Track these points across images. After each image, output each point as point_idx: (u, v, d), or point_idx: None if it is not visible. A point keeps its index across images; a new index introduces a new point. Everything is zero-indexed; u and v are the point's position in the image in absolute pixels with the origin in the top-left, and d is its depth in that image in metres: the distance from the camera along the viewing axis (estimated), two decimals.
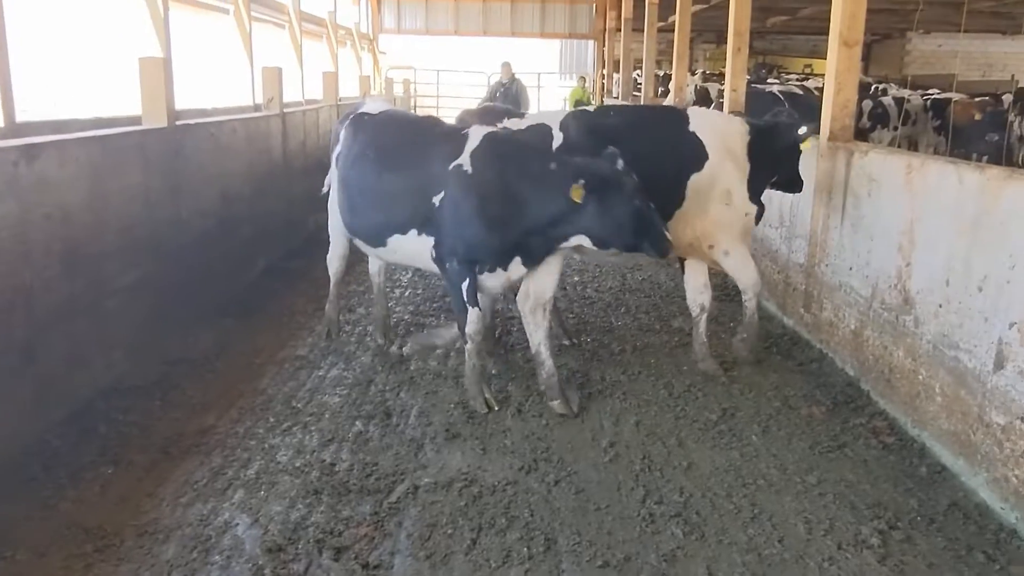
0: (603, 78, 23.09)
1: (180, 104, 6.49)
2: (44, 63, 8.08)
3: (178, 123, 6.24)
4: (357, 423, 4.78)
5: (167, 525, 3.71)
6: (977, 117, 13.79)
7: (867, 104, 14.12)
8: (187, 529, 3.68)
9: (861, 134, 13.10)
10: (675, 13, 12.25)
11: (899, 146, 13.82)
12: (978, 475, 4.06)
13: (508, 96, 14.83)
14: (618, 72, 18.96)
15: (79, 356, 4.83)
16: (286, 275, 8.12)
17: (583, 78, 20.20)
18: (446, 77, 27.91)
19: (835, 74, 5.90)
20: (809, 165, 6.07)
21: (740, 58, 8.82)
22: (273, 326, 6.53)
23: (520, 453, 4.43)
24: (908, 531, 3.76)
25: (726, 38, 9.02)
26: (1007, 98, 14.57)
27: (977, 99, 14.58)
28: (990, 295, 4.00)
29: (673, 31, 12.63)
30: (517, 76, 15.65)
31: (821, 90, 9.73)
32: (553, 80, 29.75)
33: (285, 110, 9.24)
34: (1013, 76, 24.41)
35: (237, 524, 3.74)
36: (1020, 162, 14.07)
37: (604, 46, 22.72)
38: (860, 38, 5.88)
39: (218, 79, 10.53)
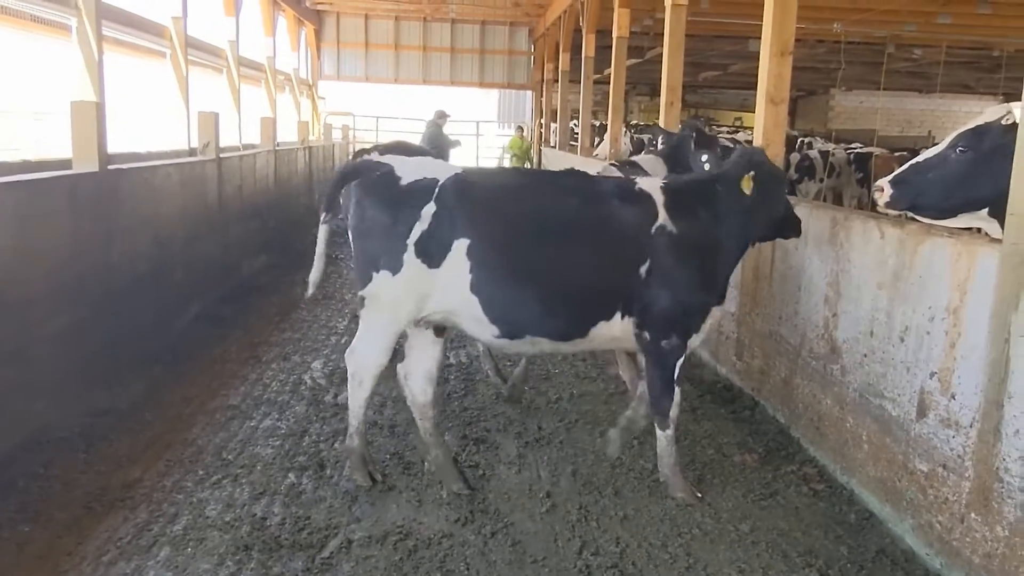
0: (541, 127, 23.46)
1: (113, 148, 6.39)
2: None
3: (110, 167, 6.13)
4: (290, 475, 4.69)
5: None
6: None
7: (795, 157, 14.64)
8: None
9: (789, 186, 13.55)
10: (610, 66, 12.56)
11: (824, 198, 14.33)
12: (904, 521, 4.16)
13: (444, 141, 14.78)
14: (555, 122, 19.28)
15: None
16: (219, 321, 7.96)
17: (521, 128, 20.44)
18: (385, 124, 28.03)
19: (763, 130, 6.12)
20: None
21: (673, 111, 9.08)
22: (204, 374, 6.39)
23: (456, 505, 4.39)
24: None
25: (659, 91, 9.29)
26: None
27: (897, 153, 15.24)
28: (911, 346, 4.15)
29: (608, 83, 12.94)
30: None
31: (751, 142, 10.06)
32: (492, 128, 30.11)
33: (221, 155, 9.16)
34: (930, 132, 25.62)
35: None
36: None
37: (542, 96, 23.14)
38: (786, 96, 6.12)
39: (153, 123, 10.41)
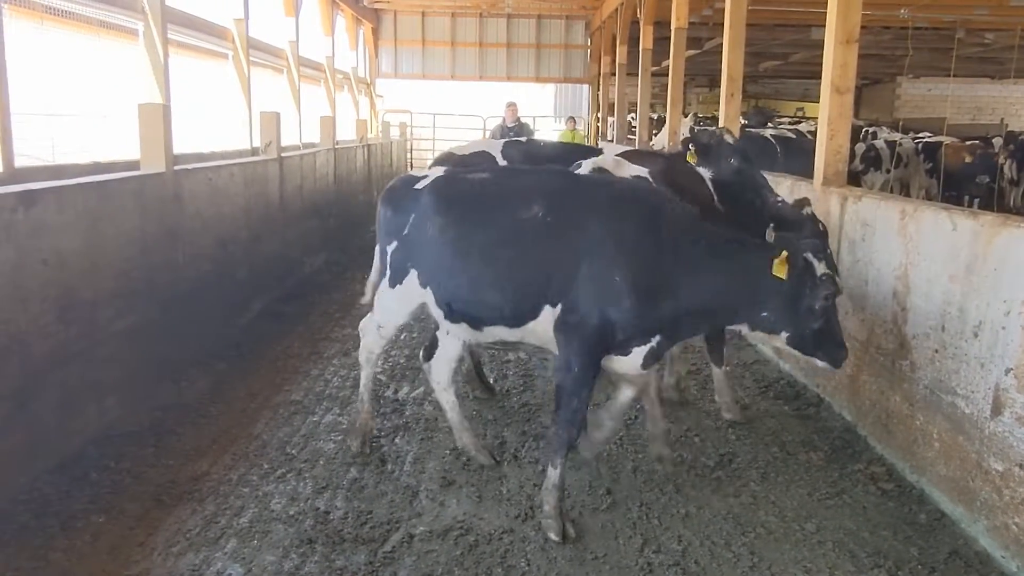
0: (598, 121, 23.31)
1: (178, 148, 6.52)
2: (44, 107, 8.13)
3: (176, 168, 6.27)
4: (352, 470, 4.74)
5: (158, 575, 3.65)
6: (968, 160, 13.95)
7: (860, 147, 14.27)
8: None
9: (854, 177, 13.21)
10: (669, 58, 12.40)
11: (891, 189, 13.94)
12: (978, 522, 4.02)
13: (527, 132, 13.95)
14: (613, 115, 19.14)
15: (72, 402, 4.79)
16: (281, 318, 8.10)
17: (572, 119, 20.05)
18: (442, 120, 28.17)
19: (828, 120, 5.97)
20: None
21: (733, 103, 8.92)
22: (268, 370, 6.50)
23: (516, 501, 4.39)
24: None
25: (719, 82, 9.13)
26: (997, 141, 14.75)
27: (968, 142, 14.75)
28: (986, 341, 4.00)
29: (666, 75, 12.78)
30: (524, 118, 14.55)
31: (813, 133, 9.83)
32: (548, 124, 30.00)
33: (283, 154, 9.30)
34: (1003, 119, 24.77)
35: (229, 574, 3.68)
36: (1012, 204, 14.23)
37: (599, 90, 22.96)
38: (852, 86, 5.96)
39: (217, 123, 10.62)
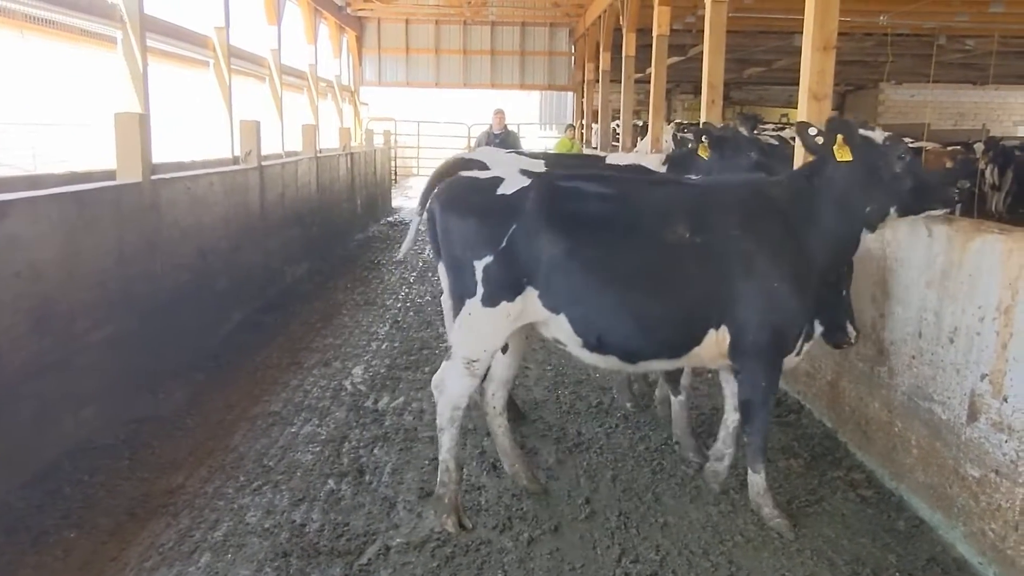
0: (582, 128, 23.35)
1: (157, 157, 6.47)
2: (25, 117, 8.07)
3: (154, 177, 6.22)
4: (329, 481, 4.70)
5: None
6: (949, 165, 14.05)
7: None
8: None
9: None
10: (651, 66, 12.43)
11: None
12: (955, 529, 4.03)
13: (505, 147, 14.06)
14: (597, 123, 19.16)
15: (47, 415, 4.73)
16: (261, 328, 8.04)
17: (572, 127, 19.90)
18: (426, 128, 28.17)
19: None
20: None
21: (714, 110, 8.93)
22: (246, 381, 6.45)
23: (494, 511, 4.36)
24: None
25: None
26: (979, 146, 14.86)
27: (949, 147, 14.86)
28: (961, 347, 4.01)
29: (650, 82, 12.81)
30: (509, 126, 14.49)
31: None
32: (533, 131, 30.05)
33: (263, 163, 9.25)
34: (984, 125, 24.93)
35: None
36: (994, 209, 14.34)
37: (583, 97, 23.00)
38: (829, 92, 5.96)
39: (197, 132, 10.55)
